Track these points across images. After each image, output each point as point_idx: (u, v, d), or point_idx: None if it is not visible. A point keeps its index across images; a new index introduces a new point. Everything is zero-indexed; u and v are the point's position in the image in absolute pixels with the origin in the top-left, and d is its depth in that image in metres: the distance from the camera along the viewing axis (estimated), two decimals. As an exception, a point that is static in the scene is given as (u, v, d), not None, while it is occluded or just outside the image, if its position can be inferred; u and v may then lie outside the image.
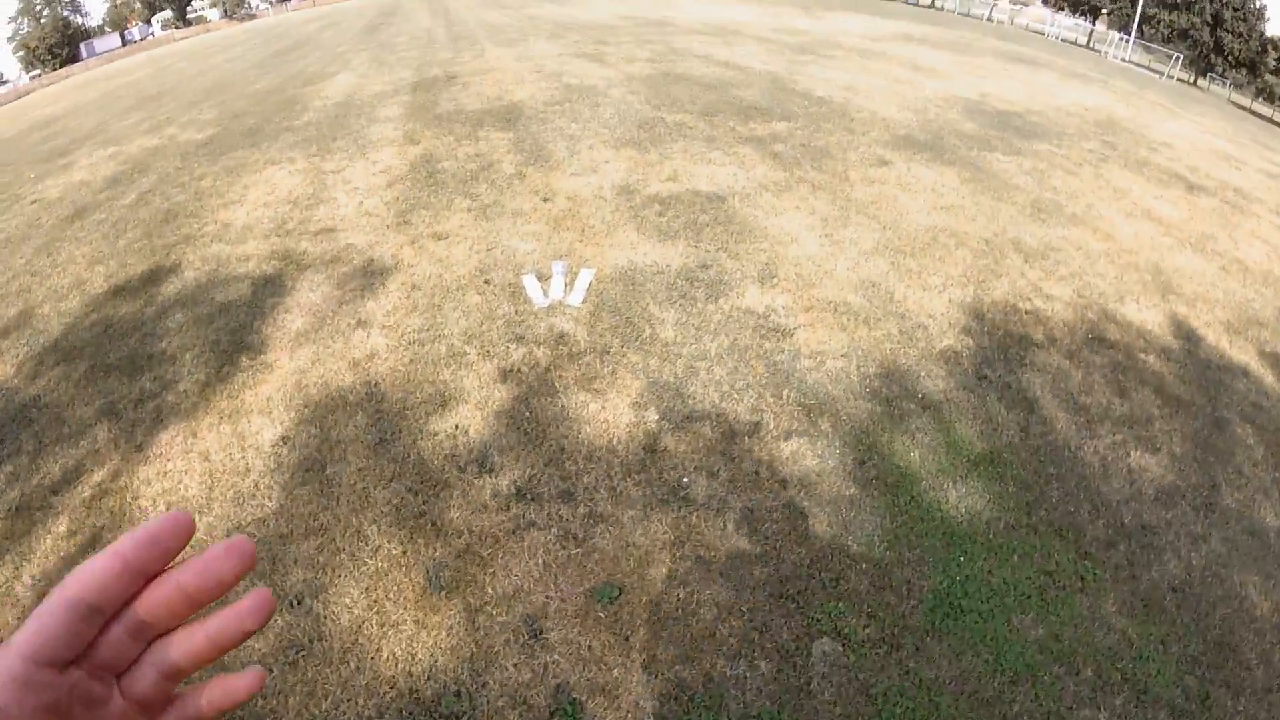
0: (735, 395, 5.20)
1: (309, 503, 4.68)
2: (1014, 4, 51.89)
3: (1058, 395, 5.61)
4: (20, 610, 4.53)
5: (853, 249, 7.02)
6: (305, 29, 34.17)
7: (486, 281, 6.51)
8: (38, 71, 55.48)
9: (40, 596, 4.62)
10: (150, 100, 18.34)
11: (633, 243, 7.02)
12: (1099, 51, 38.21)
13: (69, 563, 4.66)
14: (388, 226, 7.79)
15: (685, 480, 4.60)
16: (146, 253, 8.18)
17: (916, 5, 51.71)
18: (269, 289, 6.92)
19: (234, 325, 6.44)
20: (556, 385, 5.32)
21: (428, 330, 6.01)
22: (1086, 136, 12.58)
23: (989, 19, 47.11)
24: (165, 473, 5.10)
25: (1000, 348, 5.94)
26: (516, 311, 6.08)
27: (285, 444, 5.12)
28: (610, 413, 5.08)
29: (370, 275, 6.88)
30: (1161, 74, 33.73)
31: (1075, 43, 42.03)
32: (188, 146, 12.40)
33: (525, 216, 7.68)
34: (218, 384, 5.78)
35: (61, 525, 4.85)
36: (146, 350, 6.34)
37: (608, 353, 5.59)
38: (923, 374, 5.56)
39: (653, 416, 5.04)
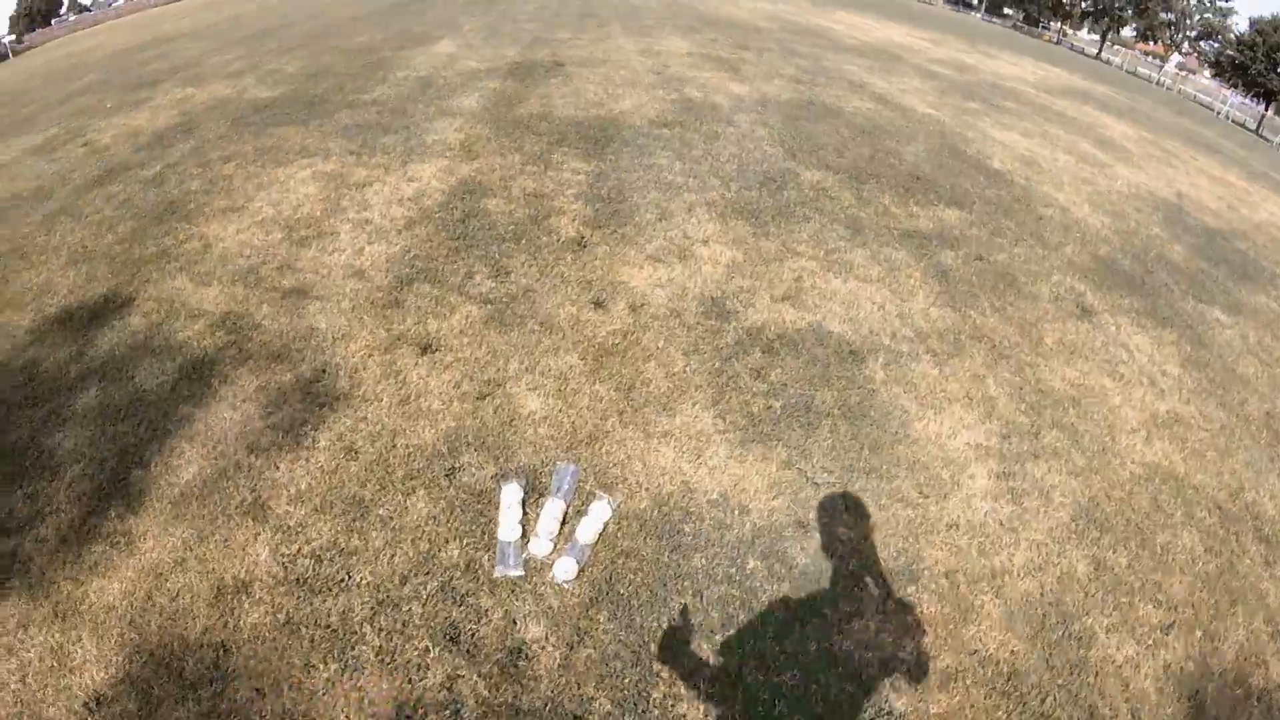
0: None
1: None
2: (1180, 70, 45.12)
3: None
4: None
5: (1039, 518, 3.93)
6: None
7: (450, 473, 3.78)
8: (191, -21, 54.01)
9: None
10: (256, 37, 16.02)
11: (700, 437, 4.11)
12: (1268, 140, 32.06)
13: None
14: (372, 304, 5.11)
15: None
16: (118, 265, 5.78)
17: (1082, 54, 45.89)
18: (191, 385, 4.37)
19: (130, 440, 3.94)
20: (476, 796, 2.62)
21: (331, 557, 3.34)
22: (1302, 284, 8.84)
23: (1157, 83, 41.11)
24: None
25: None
26: (468, 564, 3.32)
27: (96, 711, 2.71)
28: None
29: (308, 403, 4.24)
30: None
31: (1244, 125, 35.75)
32: (248, 107, 9.96)
33: (559, 334, 4.86)
34: (75, 544, 3.36)
35: None
36: (43, 440, 3.98)
37: (584, 729, 2.84)
38: None
39: None
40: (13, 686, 2.82)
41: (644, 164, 7.79)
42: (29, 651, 2.95)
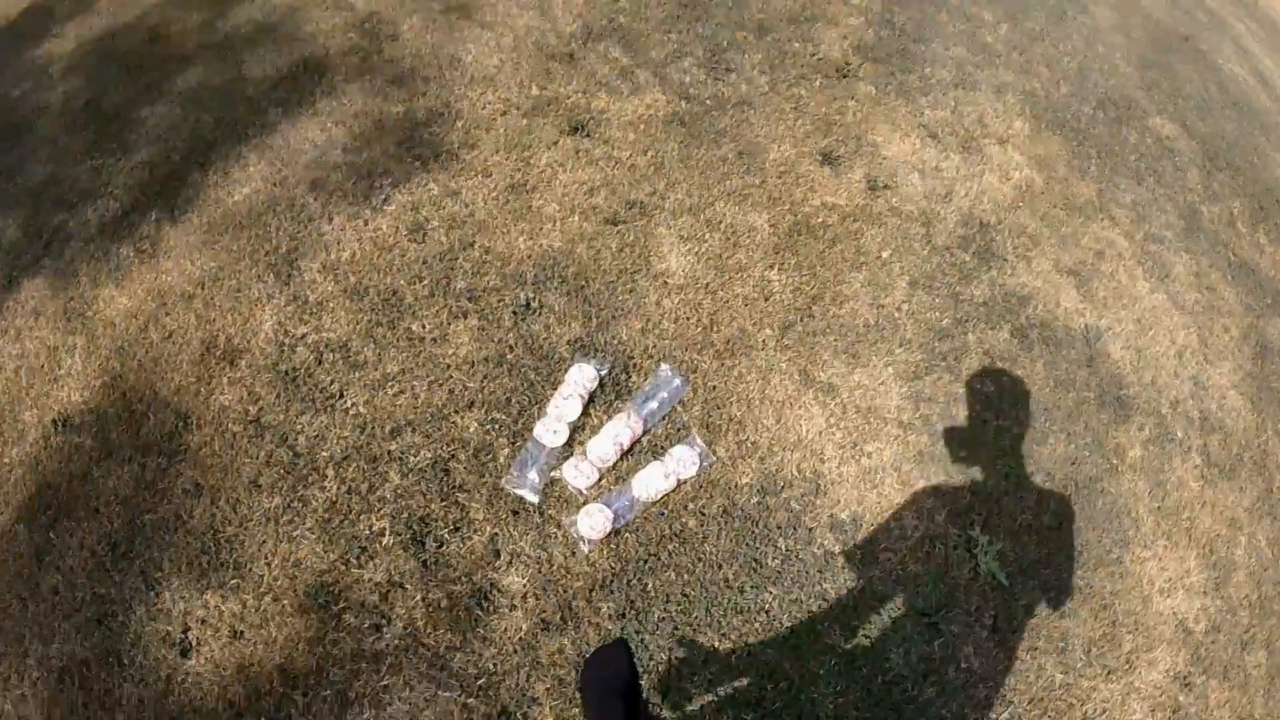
0: None
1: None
2: None
3: None
4: None
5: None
6: None
7: (521, 311, 2.84)
8: None
9: None
10: None
11: (873, 416, 2.81)
12: None
13: None
14: (540, 49, 4.01)
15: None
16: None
17: None
18: (293, 88, 3.74)
19: (205, 134, 3.52)
20: None
21: (333, 362, 2.65)
22: None
23: None
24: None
25: None
26: (479, 449, 2.43)
27: (60, 432, 2.56)
28: None
29: (403, 149, 3.42)
30: None
31: None
32: None
33: (756, 176, 3.54)
34: (108, 238, 3.13)
35: None
36: (132, 112, 3.70)
37: None
38: None
39: None
40: (8, 374, 2.74)
41: (964, 9, 5.96)
42: (31, 343, 2.82)
